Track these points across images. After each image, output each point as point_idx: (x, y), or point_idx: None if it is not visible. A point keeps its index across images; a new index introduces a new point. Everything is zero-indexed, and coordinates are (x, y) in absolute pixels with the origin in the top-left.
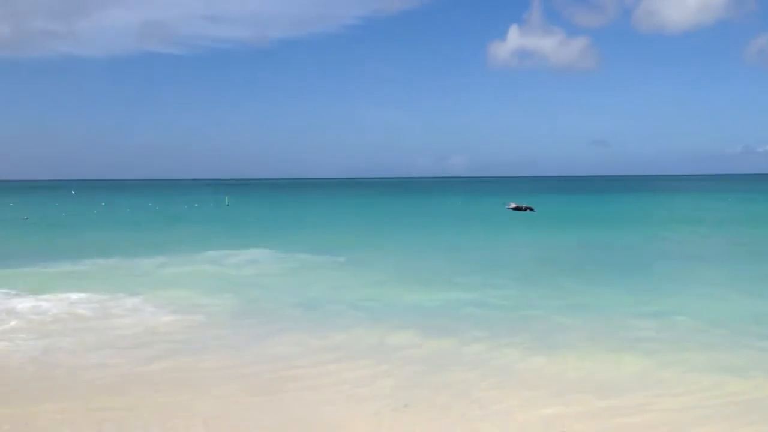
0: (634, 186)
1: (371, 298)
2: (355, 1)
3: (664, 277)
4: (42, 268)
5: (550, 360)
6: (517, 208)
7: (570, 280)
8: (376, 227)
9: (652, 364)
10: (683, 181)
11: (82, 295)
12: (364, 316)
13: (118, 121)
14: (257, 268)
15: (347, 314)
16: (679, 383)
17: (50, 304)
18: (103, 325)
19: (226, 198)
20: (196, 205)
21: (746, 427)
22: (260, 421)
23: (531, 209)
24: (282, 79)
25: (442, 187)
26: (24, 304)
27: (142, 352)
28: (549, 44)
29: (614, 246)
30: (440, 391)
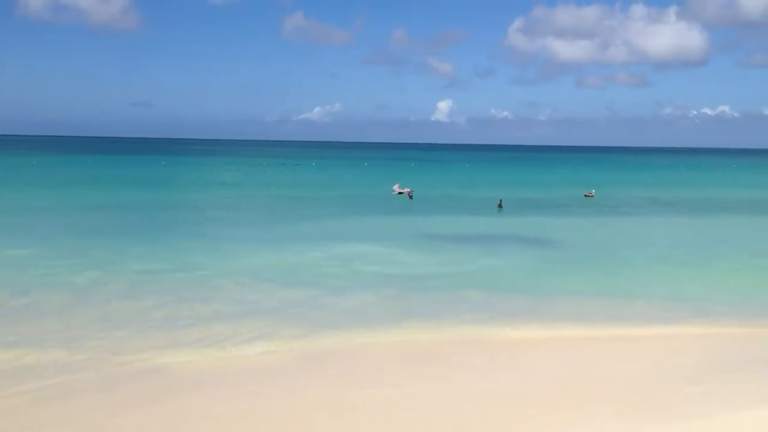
0: (177, 149)
1: None
2: None
3: (191, 237)
4: None
5: None
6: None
7: (87, 242)
8: None
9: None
10: (226, 146)
11: None
12: None
13: None
14: None
15: None
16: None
17: None
18: None
19: None
20: None
21: None
22: None
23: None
24: None
25: None
26: None
27: None
28: (88, 1)
29: (146, 208)
30: None
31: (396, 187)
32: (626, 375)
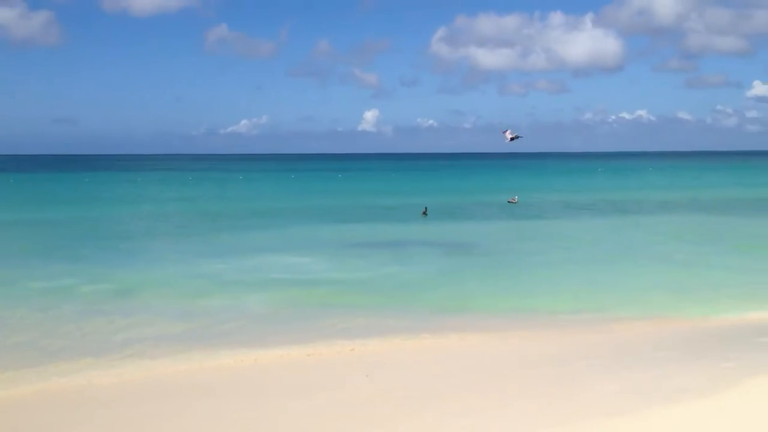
0: (103, 165)
1: None
2: None
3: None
4: None
5: None
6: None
7: None
8: None
9: None
10: (154, 160)
11: None
12: None
13: None
14: None
15: None
16: None
17: None
18: None
19: None
20: None
21: None
22: None
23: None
24: None
25: None
26: None
27: None
28: (8, 17)
29: (63, 225)
30: None
31: (507, 134)
32: (536, 376)
